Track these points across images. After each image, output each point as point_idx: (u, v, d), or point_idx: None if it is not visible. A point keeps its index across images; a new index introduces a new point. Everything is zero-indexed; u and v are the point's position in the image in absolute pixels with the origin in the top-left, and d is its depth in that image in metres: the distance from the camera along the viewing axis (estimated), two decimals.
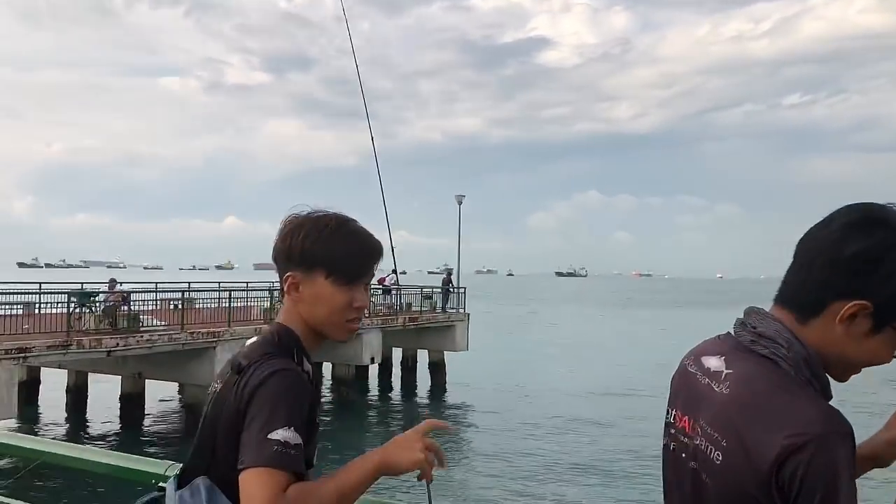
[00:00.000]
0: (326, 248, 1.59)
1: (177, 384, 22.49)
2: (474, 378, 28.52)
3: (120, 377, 21.35)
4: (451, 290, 30.55)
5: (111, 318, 18.38)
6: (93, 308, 18.72)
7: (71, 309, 17.72)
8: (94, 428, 20.93)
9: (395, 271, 28.60)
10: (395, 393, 27.64)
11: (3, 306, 18.18)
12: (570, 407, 23.92)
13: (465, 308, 29.66)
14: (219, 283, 27.11)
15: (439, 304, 29.99)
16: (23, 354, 15.93)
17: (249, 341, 1.63)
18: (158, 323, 19.66)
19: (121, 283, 23.99)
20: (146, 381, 21.37)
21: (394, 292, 27.80)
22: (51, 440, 3.37)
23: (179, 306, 20.56)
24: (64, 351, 16.82)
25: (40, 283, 22.27)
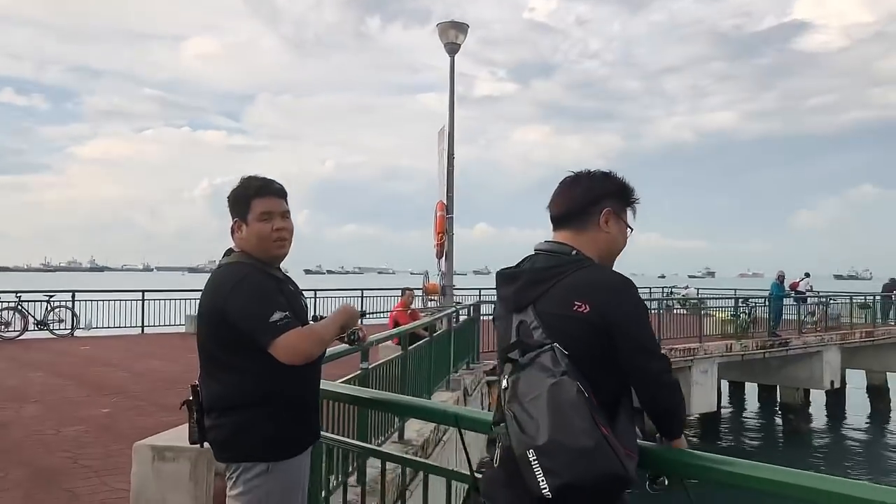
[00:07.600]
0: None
1: None
2: None
3: None
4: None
5: None
6: None
7: None
8: None
9: (807, 275, 26.10)
10: (851, 421, 22.77)
11: None
12: None
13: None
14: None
15: (879, 316, 24.63)
16: None
17: None
18: None
19: None
20: None
21: (811, 300, 24.05)
22: None
23: None
24: None
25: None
